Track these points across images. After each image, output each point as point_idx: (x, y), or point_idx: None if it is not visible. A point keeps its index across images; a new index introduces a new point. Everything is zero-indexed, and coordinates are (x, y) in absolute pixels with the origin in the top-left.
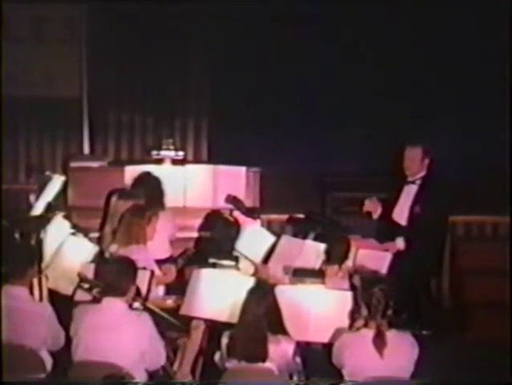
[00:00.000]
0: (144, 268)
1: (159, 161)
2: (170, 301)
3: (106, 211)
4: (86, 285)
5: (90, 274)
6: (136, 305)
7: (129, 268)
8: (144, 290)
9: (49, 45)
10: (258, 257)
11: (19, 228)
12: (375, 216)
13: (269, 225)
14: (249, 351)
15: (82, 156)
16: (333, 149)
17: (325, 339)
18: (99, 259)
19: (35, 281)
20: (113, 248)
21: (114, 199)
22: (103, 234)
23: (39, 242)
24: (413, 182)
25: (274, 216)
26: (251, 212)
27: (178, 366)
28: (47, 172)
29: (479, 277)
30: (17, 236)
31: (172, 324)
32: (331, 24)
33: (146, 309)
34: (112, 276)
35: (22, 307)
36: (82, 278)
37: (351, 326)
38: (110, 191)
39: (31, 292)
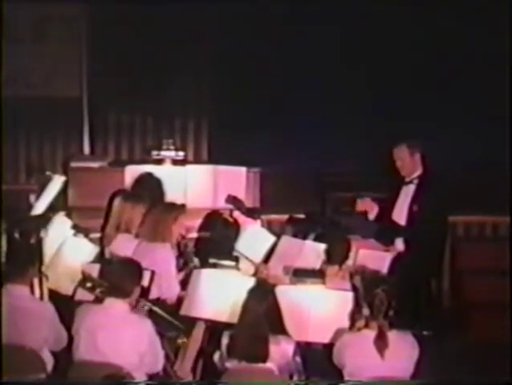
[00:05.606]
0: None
1: (159, 161)
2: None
3: (108, 212)
4: (89, 284)
5: (94, 274)
6: (142, 306)
7: (134, 269)
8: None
9: (49, 45)
10: (259, 258)
11: (19, 227)
12: (372, 215)
13: (269, 225)
14: (249, 351)
15: (82, 156)
16: (333, 149)
17: (325, 339)
18: (104, 259)
19: (36, 281)
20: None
21: (117, 200)
22: (105, 234)
23: (39, 242)
24: (411, 182)
25: (274, 216)
26: (251, 213)
27: (179, 367)
28: (48, 172)
29: (479, 277)
30: (16, 235)
31: (172, 324)
32: (330, 24)
33: (151, 311)
34: (117, 277)
35: (23, 306)
36: (86, 277)
37: (351, 326)
38: (113, 192)
39: (32, 291)
